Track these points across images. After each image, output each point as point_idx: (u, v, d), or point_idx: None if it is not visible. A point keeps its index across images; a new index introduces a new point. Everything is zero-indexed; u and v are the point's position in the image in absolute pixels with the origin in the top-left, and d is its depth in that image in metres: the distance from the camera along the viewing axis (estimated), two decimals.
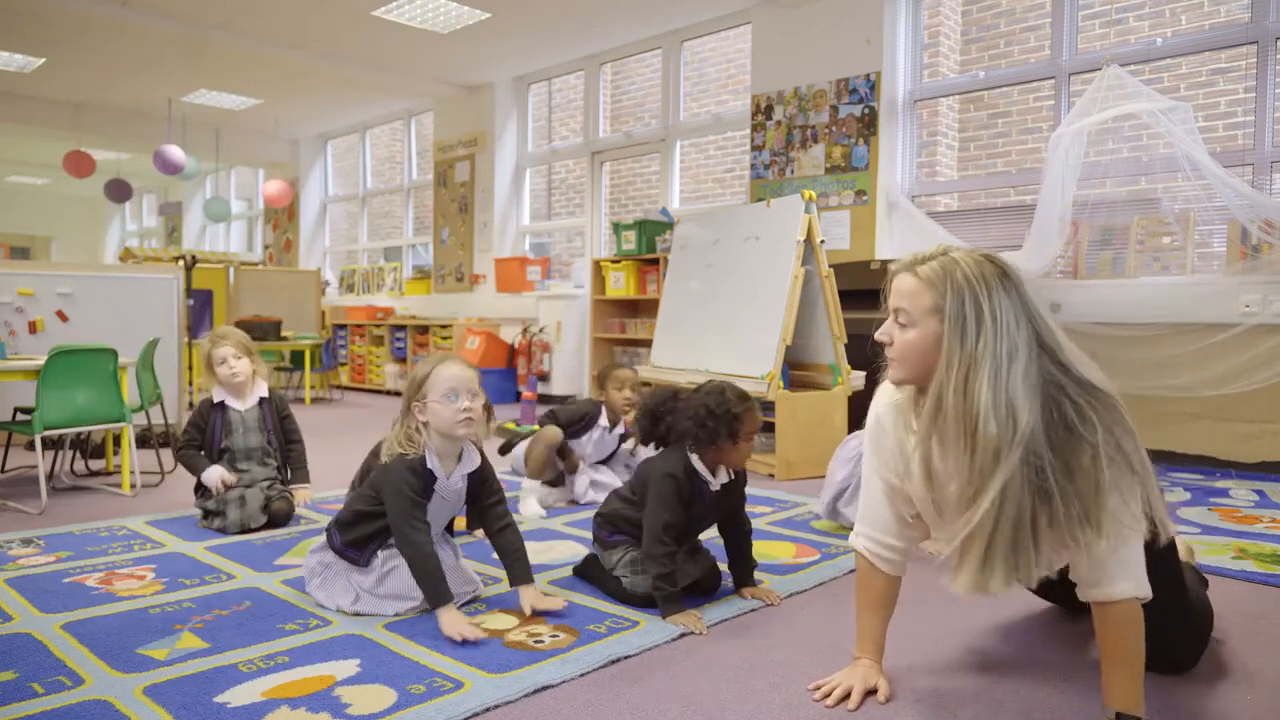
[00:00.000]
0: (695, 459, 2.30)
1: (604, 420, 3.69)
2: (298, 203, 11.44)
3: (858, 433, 3.33)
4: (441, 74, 8.52)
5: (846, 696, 1.74)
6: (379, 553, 2.29)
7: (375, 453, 2.95)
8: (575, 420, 3.64)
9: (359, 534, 2.28)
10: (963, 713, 1.71)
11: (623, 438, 3.76)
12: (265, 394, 3.37)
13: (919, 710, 1.72)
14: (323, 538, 2.37)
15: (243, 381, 3.30)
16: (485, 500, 2.34)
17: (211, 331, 3.33)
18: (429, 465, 2.21)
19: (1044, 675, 1.89)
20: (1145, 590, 1.54)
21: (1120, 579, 1.52)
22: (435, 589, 2.12)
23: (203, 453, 3.28)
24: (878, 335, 1.59)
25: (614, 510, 2.47)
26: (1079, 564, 1.55)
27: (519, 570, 2.27)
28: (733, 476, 2.35)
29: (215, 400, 3.29)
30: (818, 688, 1.79)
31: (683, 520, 2.29)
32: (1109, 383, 1.49)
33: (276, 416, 3.40)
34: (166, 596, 2.37)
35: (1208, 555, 2.81)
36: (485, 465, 2.34)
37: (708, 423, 2.24)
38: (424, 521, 2.18)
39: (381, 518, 2.22)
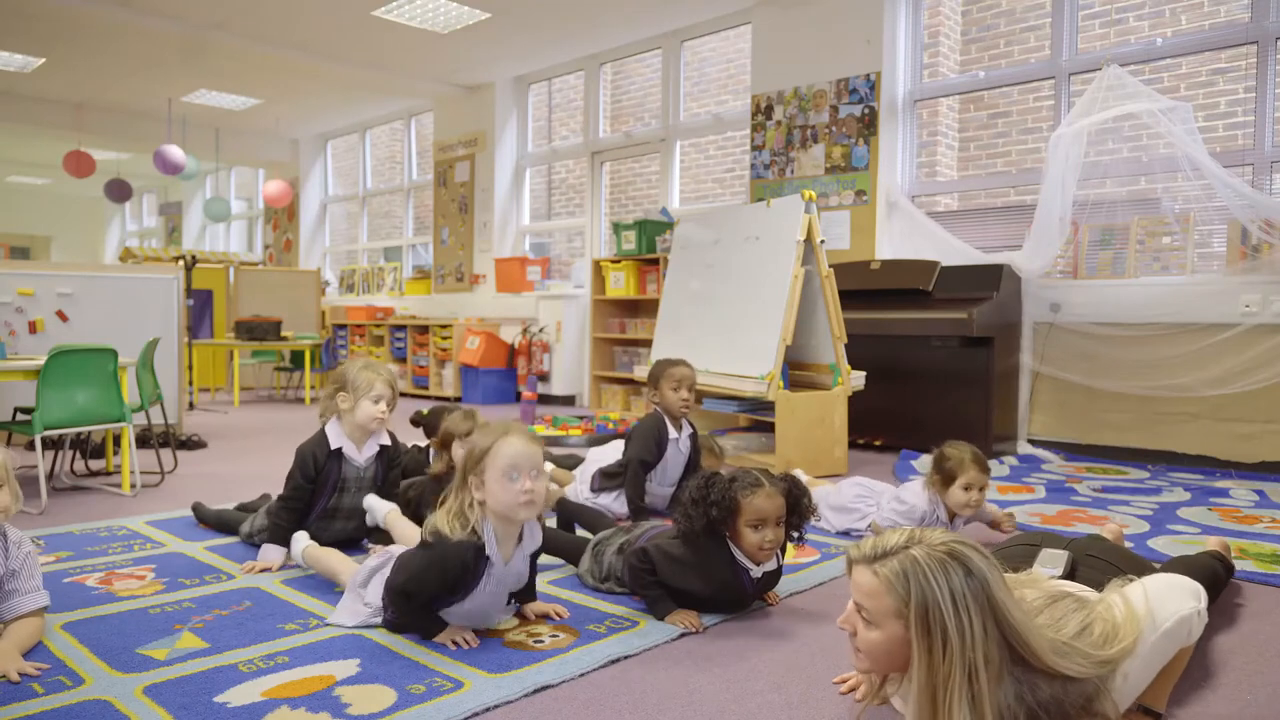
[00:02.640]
0: (735, 550, 2.18)
1: (671, 430, 3.29)
2: (298, 203, 11.44)
3: (856, 479, 3.34)
4: (441, 74, 8.52)
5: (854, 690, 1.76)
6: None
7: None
8: (654, 452, 3.24)
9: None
10: None
11: (693, 438, 3.38)
12: (386, 441, 2.86)
13: None
14: (371, 596, 2.14)
15: (379, 428, 2.81)
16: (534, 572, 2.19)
17: (351, 359, 2.80)
18: (486, 552, 1.97)
19: None
20: (1193, 604, 1.51)
21: (1170, 634, 1.49)
22: (429, 629, 2.03)
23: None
24: (840, 623, 1.47)
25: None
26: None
27: (528, 597, 2.24)
28: (778, 566, 2.27)
29: (333, 447, 2.75)
30: (843, 681, 1.82)
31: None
32: (1086, 659, 1.40)
33: (388, 468, 2.89)
34: (166, 596, 2.37)
35: None
36: (547, 541, 2.20)
37: (690, 511, 2.15)
38: (439, 615, 2.04)
39: (448, 592, 2.00)
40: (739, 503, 2.12)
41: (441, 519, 1.97)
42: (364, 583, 2.19)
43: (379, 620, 2.13)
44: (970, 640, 1.31)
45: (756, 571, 2.20)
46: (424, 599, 1.99)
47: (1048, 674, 1.35)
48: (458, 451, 2.86)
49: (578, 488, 3.47)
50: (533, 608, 2.22)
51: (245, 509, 3.22)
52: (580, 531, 2.91)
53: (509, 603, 2.15)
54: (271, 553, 2.67)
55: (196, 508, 3.31)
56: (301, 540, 2.65)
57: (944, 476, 2.77)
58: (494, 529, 1.99)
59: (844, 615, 1.46)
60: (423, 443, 3.74)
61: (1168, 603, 1.50)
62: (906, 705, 1.59)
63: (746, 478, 2.17)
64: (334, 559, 2.51)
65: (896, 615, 1.36)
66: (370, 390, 2.72)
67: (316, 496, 2.75)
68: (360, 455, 2.79)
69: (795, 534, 2.22)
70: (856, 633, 1.43)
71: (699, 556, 2.18)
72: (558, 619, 2.19)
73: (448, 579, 1.96)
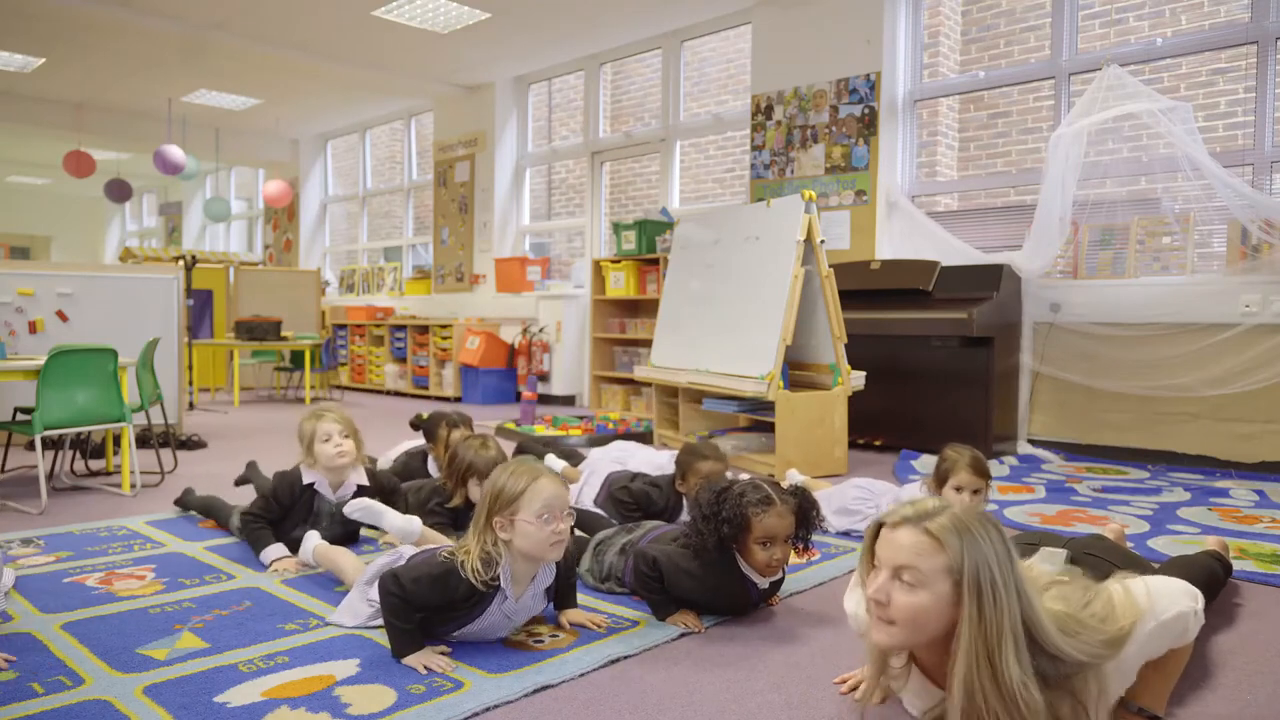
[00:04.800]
0: (742, 563, 2.18)
1: (685, 516, 3.03)
2: (298, 203, 11.44)
3: (857, 480, 3.34)
4: (441, 74, 8.52)
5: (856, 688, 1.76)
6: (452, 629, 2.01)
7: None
8: (653, 512, 3.12)
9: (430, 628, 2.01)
10: None
11: None
12: (364, 481, 2.89)
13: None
14: (375, 595, 2.06)
15: (346, 463, 2.83)
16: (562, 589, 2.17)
17: (313, 409, 2.88)
18: (501, 585, 1.95)
19: None
20: (1190, 604, 1.52)
21: (1172, 631, 1.49)
22: (403, 644, 1.93)
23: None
24: (872, 594, 1.41)
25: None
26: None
27: (569, 599, 2.21)
28: (782, 575, 2.28)
29: (306, 481, 2.82)
30: (843, 681, 1.81)
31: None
32: (1090, 643, 1.41)
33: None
34: (166, 596, 2.37)
35: None
36: (566, 574, 2.16)
37: (702, 528, 2.13)
38: (422, 632, 1.98)
39: (445, 610, 1.95)
40: (750, 521, 2.11)
41: (468, 565, 1.91)
42: (370, 580, 2.15)
43: (380, 621, 2.12)
44: (1013, 598, 1.35)
45: (763, 583, 2.21)
46: (414, 612, 1.92)
47: (1046, 651, 1.37)
48: (475, 491, 2.78)
49: (580, 490, 3.43)
50: (571, 615, 2.18)
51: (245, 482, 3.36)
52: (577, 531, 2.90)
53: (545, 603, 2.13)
54: (274, 553, 2.68)
55: (185, 494, 3.39)
56: (313, 538, 2.66)
57: (938, 477, 2.79)
58: (512, 569, 1.96)
59: (875, 586, 1.41)
60: (417, 443, 3.73)
61: (1167, 598, 1.51)
62: (916, 700, 1.59)
63: (757, 494, 2.13)
64: (344, 558, 2.51)
65: (947, 572, 1.36)
66: (317, 435, 2.80)
67: (285, 520, 2.81)
68: (334, 494, 2.85)
69: (800, 544, 2.21)
70: (889, 602, 1.39)
71: (708, 570, 2.18)
72: (597, 629, 2.14)
73: (449, 600, 1.92)
